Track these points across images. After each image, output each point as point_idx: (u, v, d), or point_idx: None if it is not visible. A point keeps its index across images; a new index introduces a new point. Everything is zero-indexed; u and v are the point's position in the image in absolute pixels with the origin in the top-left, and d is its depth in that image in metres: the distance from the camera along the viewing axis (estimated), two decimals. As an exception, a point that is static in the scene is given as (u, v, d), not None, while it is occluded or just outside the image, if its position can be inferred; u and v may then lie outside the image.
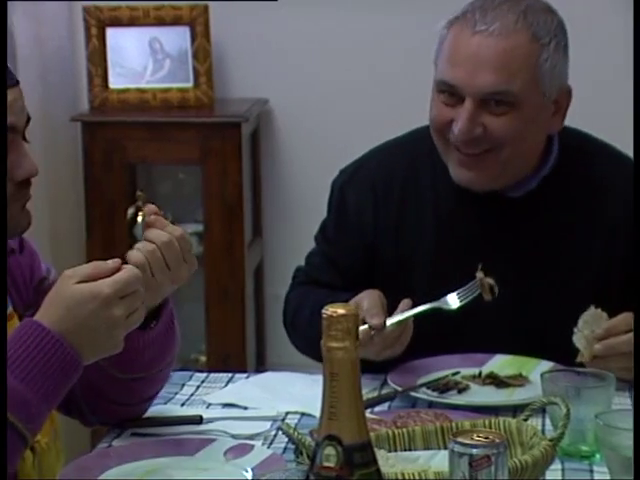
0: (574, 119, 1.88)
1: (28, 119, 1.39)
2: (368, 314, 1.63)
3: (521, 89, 1.70)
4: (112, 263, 1.31)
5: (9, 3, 2.67)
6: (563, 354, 1.67)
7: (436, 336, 1.75)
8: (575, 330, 1.63)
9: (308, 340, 1.83)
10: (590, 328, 1.62)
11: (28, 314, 1.49)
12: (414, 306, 1.67)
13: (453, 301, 1.68)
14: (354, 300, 1.67)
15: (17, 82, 1.36)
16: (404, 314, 1.66)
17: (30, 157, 1.37)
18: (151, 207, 1.37)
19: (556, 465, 1.37)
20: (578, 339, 1.63)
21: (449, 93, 1.72)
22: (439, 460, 1.30)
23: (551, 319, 1.76)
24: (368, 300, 1.66)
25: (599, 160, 1.82)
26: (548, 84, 1.72)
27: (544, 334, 1.76)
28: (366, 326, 1.62)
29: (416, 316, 1.67)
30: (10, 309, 1.41)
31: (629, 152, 1.92)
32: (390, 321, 1.63)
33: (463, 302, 1.67)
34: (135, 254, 1.39)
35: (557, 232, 1.78)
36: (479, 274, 1.67)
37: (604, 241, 1.77)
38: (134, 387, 1.50)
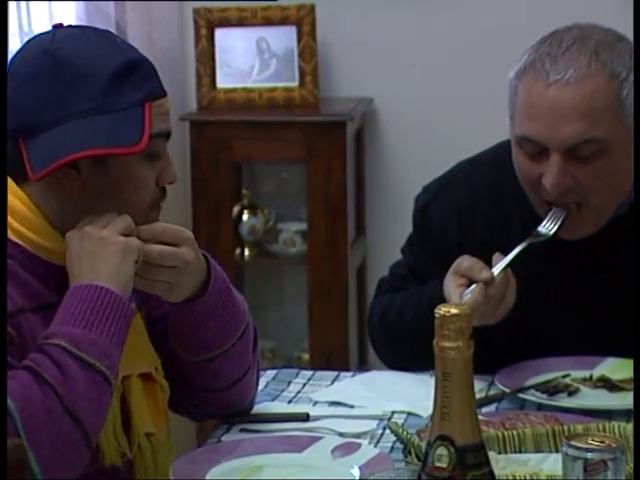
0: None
1: None
2: (474, 272, 1.62)
3: (607, 132, 1.62)
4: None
5: (124, 4, 2.72)
6: None
7: (537, 344, 1.73)
8: None
9: (397, 339, 1.82)
10: None
11: (143, 310, 1.53)
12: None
13: (545, 230, 1.67)
14: (453, 266, 1.66)
15: (166, 93, 1.43)
16: (504, 260, 1.65)
17: (173, 163, 1.45)
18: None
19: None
20: None
21: (532, 147, 1.66)
22: (551, 463, 1.29)
23: None
24: (468, 260, 1.65)
25: None
26: (630, 117, 1.64)
27: None
28: (474, 286, 1.62)
29: (514, 259, 1.65)
30: (134, 305, 1.45)
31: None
32: (495, 271, 1.63)
33: (557, 227, 1.66)
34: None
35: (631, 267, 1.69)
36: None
37: None
38: (213, 369, 1.50)
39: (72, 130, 1.35)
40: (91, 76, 1.36)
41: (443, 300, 1.65)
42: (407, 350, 1.77)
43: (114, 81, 1.36)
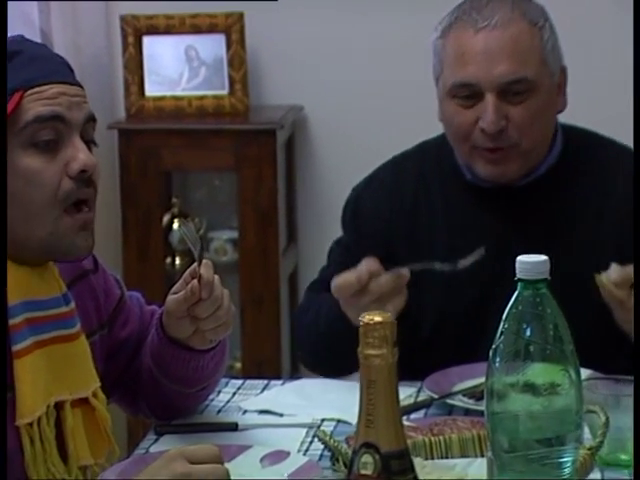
0: (574, 118, 1.91)
1: (92, 119, 1.36)
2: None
3: (535, 73, 1.77)
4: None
5: (49, 10, 2.68)
6: (593, 355, 1.65)
7: (462, 342, 1.78)
8: None
9: (307, 349, 1.90)
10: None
11: (102, 334, 1.51)
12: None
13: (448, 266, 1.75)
14: (358, 270, 1.69)
15: (64, 81, 1.34)
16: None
17: (88, 152, 1.34)
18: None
19: (595, 474, 1.36)
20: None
21: (465, 95, 1.78)
22: (476, 468, 1.30)
23: (570, 311, 1.75)
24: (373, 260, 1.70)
25: (603, 150, 1.89)
26: (552, 64, 1.80)
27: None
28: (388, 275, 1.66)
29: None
30: (78, 327, 1.41)
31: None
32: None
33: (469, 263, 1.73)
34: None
35: (565, 219, 1.83)
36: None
37: (610, 227, 1.81)
38: (201, 395, 1.61)
39: None
40: None
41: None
42: (314, 359, 1.87)
43: None
